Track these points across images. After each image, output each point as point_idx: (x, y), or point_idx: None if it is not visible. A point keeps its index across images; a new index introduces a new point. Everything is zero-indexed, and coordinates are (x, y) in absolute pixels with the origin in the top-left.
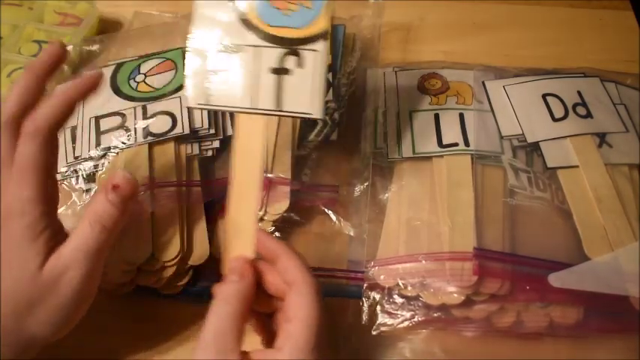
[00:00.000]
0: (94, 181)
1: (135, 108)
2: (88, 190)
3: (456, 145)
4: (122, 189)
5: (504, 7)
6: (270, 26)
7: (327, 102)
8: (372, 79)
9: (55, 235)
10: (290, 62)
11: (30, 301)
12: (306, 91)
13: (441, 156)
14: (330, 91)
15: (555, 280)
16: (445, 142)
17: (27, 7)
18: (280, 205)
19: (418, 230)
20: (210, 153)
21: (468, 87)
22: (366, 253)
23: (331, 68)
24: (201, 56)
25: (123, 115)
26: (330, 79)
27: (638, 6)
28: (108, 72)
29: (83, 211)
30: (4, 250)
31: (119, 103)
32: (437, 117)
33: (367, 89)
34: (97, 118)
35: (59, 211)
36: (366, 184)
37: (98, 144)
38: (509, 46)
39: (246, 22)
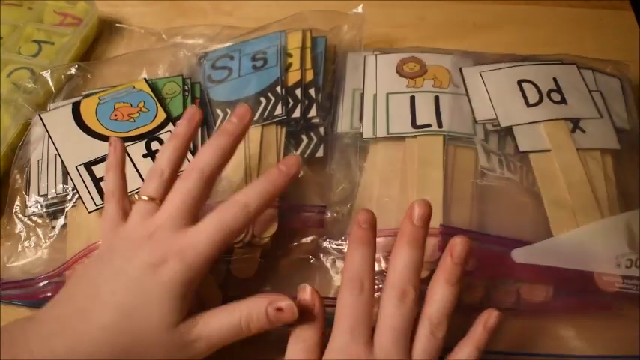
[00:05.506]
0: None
1: None
2: (54, 227)
3: (429, 126)
4: (284, 316)
5: (504, 7)
6: (124, 132)
7: (310, 118)
8: (352, 63)
9: (193, 298)
10: (155, 145)
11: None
12: None
13: (414, 136)
14: (314, 107)
15: (518, 255)
16: (419, 123)
17: (27, 7)
18: (268, 229)
19: (387, 207)
20: None
21: (445, 71)
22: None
23: (313, 84)
24: (83, 172)
25: None
26: (313, 95)
27: (638, 6)
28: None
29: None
30: (151, 294)
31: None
32: (412, 99)
33: (347, 72)
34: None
35: (25, 244)
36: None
37: (66, 180)
38: (509, 46)
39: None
